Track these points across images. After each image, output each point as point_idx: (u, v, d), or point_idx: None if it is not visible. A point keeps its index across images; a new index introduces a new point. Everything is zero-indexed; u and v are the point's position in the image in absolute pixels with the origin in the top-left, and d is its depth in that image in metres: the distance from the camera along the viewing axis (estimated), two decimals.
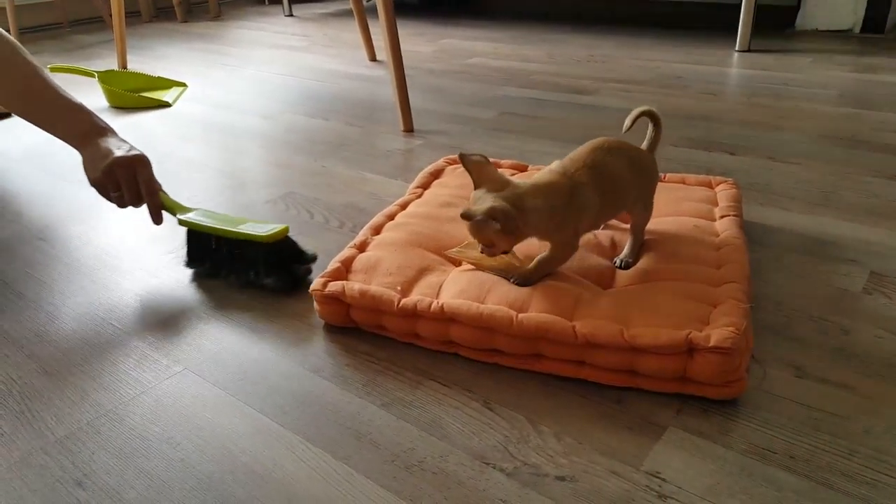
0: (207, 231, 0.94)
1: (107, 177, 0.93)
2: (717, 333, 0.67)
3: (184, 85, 2.01)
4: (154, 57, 2.46)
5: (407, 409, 0.70)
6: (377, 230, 0.96)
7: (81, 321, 0.87)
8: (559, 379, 0.73)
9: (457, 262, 0.87)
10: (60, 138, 0.99)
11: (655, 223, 0.95)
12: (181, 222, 0.96)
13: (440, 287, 0.81)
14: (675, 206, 0.99)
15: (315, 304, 0.84)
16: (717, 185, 1.07)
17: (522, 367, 0.75)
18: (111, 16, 2.34)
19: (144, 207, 0.97)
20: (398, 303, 0.78)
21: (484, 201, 0.76)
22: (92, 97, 1.91)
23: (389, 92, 1.87)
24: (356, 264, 0.86)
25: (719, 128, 1.51)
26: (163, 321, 0.87)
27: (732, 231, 0.90)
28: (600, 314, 0.73)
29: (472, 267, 0.85)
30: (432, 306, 0.76)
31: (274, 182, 1.30)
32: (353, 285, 0.81)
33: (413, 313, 0.77)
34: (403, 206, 1.04)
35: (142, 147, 1.52)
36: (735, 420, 0.66)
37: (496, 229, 0.75)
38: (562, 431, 0.66)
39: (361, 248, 0.90)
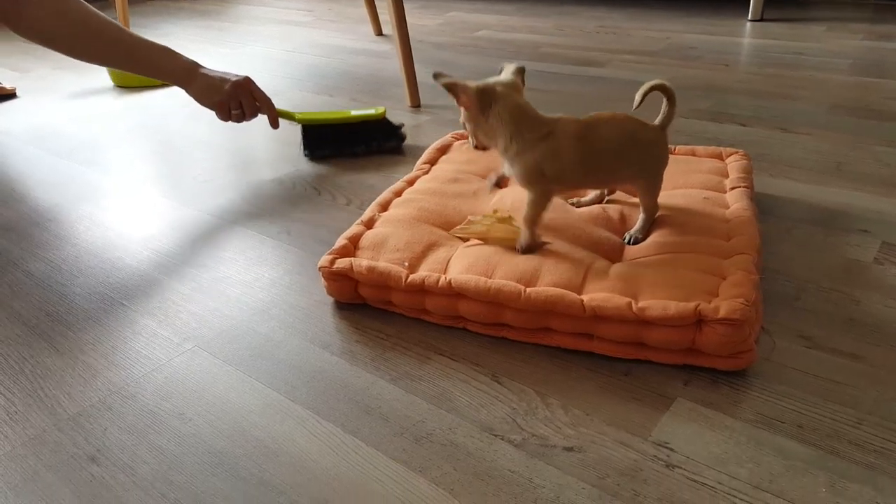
0: (331, 122, 1.27)
1: (230, 98, 1.15)
2: (727, 305, 0.66)
3: None
4: (158, 35, 2.45)
5: (415, 383, 0.70)
6: (384, 207, 0.95)
7: (91, 301, 0.88)
8: (567, 352, 0.73)
9: (464, 239, 0.87)
10: (165, 80, 1.18)
11: (665, 196, 0.94)
12: (301, 121, 1.26)
13: (448, 262, 0.81)
14: (685, 178, 0.98)
15: (323, 280, 0.84)
16: (728, 156, 1.06)
17: (531, 341, 0.75)
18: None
19: (259, 119, 1.19)
20: (406, 278, 0.78)
21: (466, 81, 0.79)
22: (97, 77, 1.91)
23: (396, 67, 1.86)
24: (364, 241, 0.86)
25: (731, 98, 1.49)
26: (172, 300, 0.87)
27: (742, 203, 0.89)
28: (609, 287, 0.73)
29: (479, 242, 0.84)
30: (440, 281, 0.76)
31: (280, 159, 1.30)
32: (361, 261, 0.81)
33: (421, 289, 0.77)
34: (411, 183, 1.04)
35: (146, 127, 1.52)
36: (744, 390, 0.66)
37: (463, 101, 0.79)
38: (569, 403, 0.66)
39: (369, 224, 0.90)
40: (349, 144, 1.27)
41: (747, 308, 0.66)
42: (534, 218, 0.81)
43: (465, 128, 0.83)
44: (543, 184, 0.80)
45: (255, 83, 1.18)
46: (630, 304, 0.69)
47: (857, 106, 1.40)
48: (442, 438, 0.63)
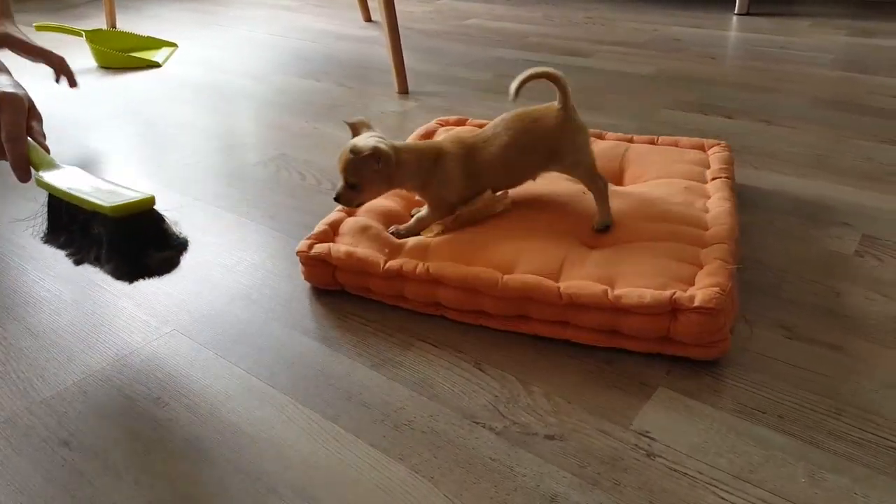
0: (60, 196, 0.74)
1: None
2: (702, 294, 0.66)
3: (174, 45, 1.97)
4: (144, 16, 2.41)
5: (397, 369, 0.70)
6: None
7: (68, 282, 0.86)
8: (549, 340, 0.73)
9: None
10: None
11: (647, 185, 0.94)
12: (38, 183, 0.76)
13: (427, 249, 0.80)
14: (667, 169, 0.98)
15: (301, 265, 0.83)
16: (710, 147, 1.06)
17: (508, 329, 0.74)
18: None
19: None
20: (384, 265, 0.77)
21: (369, 140, 0.79)
22: (80, 57, 1.87)
23: (384, 53, 1.84)
24: (344, 227, 0.85)
25: (716, 91, 1.49)
26: (151, 282, 0.85)
27: (723, 193, 0.89)
28: (585, 275, 0.73)
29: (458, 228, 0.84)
30: (418, 268, 0.76)
31: (265, 144, 1.28)
32: (339, 247, 0.80)
33: (399, 275, 0.77)
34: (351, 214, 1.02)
35: (133, 109, 1.49)
36: (724, 380, 0.66)
37: (375, 168, 0.79)
38: (552, 391, 0.66)
39: (350, 211, 0.89)
40: (86, 244, 0.73)
41: (722, 297, 0.66)
42: (422, 225, 0.85)
43: (352, 195, 0.82)
44: (445, 206, 0.85)
45: (15, 105, 0.78)
46: (606, 291, 0.69)
47: (840, 100, 1.41)
48: (423, 426, 0.62)
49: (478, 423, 0.62)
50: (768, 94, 1.46)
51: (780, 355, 0.69)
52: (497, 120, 0.86)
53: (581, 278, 0.72)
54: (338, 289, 0.83)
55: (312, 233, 0.84)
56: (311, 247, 0.81)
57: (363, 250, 0.79)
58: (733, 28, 2.05)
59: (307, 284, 0.84)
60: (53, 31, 1.81)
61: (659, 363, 0.69)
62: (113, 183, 0.74)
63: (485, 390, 0.66)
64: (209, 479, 0.58)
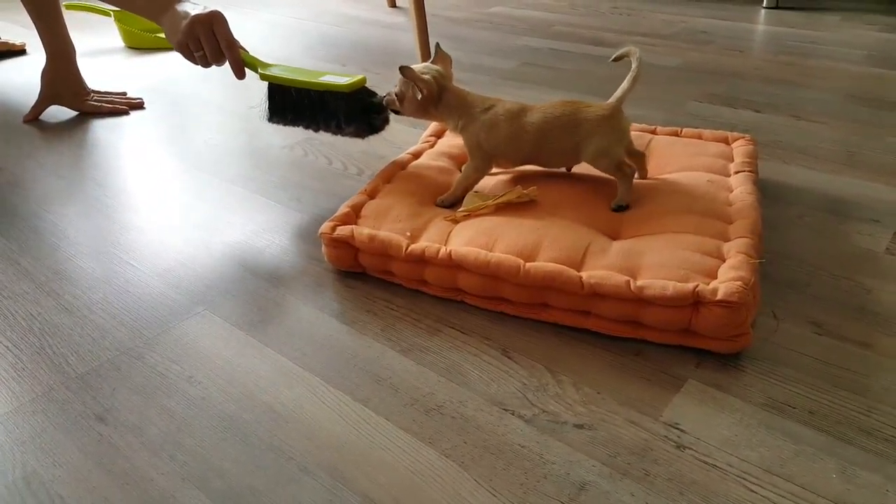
0: (289, 84, 0.97)
1: (187, 36, 0.96)
2: (725, 287, 0.66)
3: None
4: None
5: (425, 354, 0.70)
6: (388, 179, 0.94)
7: (100, 260, 0.88)
8: (576, 329, 0.73)
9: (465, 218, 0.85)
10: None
11: (669, 177, 0.93)
12: (263, 77, 0.98)
13: (450, 234, 0.80)
14: (690, 161, 0.98)
15: (323, 247, 0.84)
16: (734, 140, 1.05)
17: (528, 316, 0.75)
18: None
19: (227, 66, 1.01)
20: (406, 248, 0.78)
21: (425, 72, 0.89)
22: (108, 37, 1.88)
23: (409, 39, 1.83)
24: (366, 210, 0.86)
25: (744, 85, 1.47)
26: (182, 262, 0.87)
27: (746, 187, 0.88)
28: (608, 265, 0.73)
29: (484, 215, 0.84)
30: (440, 253, 0.76)
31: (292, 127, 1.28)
32: (363, 230, 0.81)
33: (421, 259, 0.77)
34: (416, 156, 1.02)
35: (160, 89, 1.50)
36: (754, 374, 0.66)
37: (414, 95, 0.89)
38: (580, 381, 0.66)
39: (372, 194, 0.90)
40: (321, 118, 0.98)
41: (745, 291, 0.65)
42: (464, 184, 0.89)
43: (395, 103, 0.93)
44: (482, 155, 0.89)
45: (221, 20, 0.98)
46: (629, 282, 0.69)
47: (871, 97, 1.39)
48: (452, 411, 0.63)
49: (507, 411, 0.63)
50: (797, 89, 1.44)
51: (810, 351, 0.69)
52: (554, 101, 0.89)
53: (604, 268, 0.72)
54: (360, 271, 0.83)
55: (335, 215, 0.84)
56: (333, 229, 0.82)
57: (386, 233, 0.80)
58: (761, 21, 2.02)
59: (336, 269, 0.85)
60: (83, 10, 1.82)
61: (688, 356, 0.68)
62: (315, 70, 0.99)
63: (513, 378, 0.67)
64: (243, 458, 0.58)
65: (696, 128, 1.21)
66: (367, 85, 0.97)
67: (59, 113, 1.37)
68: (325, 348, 0.72)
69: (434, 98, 0.89)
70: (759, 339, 0.70)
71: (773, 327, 0.72)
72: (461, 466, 0.57)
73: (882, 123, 1.25)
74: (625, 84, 0.86)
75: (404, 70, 0.88)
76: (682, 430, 0.60)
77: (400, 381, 0.67)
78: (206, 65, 1.00)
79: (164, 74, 1.61)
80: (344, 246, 0.81)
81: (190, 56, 0.99)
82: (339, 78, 0.95)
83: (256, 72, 0.99)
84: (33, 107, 1.33)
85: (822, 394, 0.63)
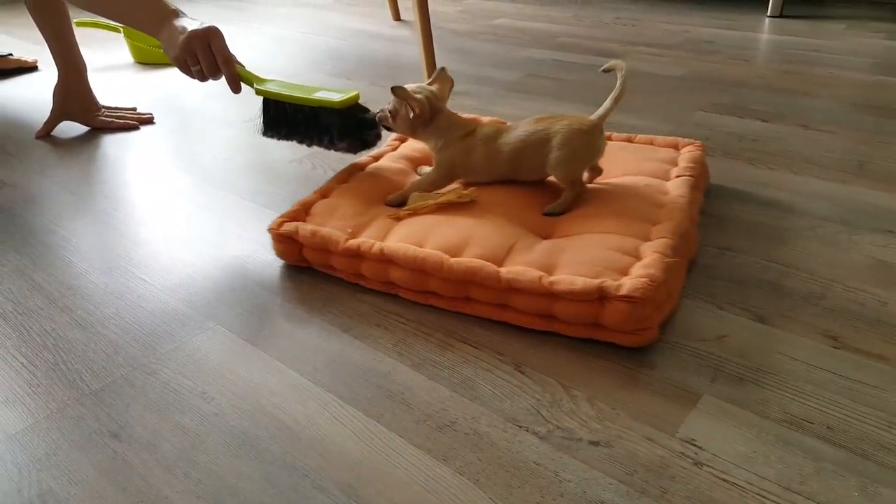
0: (283, 99, 1.00)
1: (184, 51, 0.98)
2: (630, 283, 0.69)
3: None
4: None
5: (437, 369, 0.70)
6: (345, 179, 0.99)
7: (112, 275, 0.88)
8: (590, 343, 0.72)
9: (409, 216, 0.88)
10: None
11: (613, 181, 0.96)
12: (258, 92, 1.01)
13: (389, 231, 0.84)
14: (635, 166, 0.99)
15: (272, 241, 0.87)
16: (684, 146, 1.06)
17: (454, 309, 0.78)
18: None
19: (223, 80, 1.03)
20: (343, 243, 0.82)
21: (419, 92, 0.92)
22: (117, 52, 1.90)
23: (414, 52, 1.84)
24: (316, 208, 0.90)
25: (750, 94, 1.47)
26: (192, 277, 0.87)
27: (681, 190, 0.90)
28: (529, 261, 0.76)
29: (426, 213, 0.88)
30: (373, 248, 0.80)
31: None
32: (306, 226, 0.85)
33: (357, 254, 0.81)
34: (376, 158, 1.06)
35: (168, 104, 1.51)
36: (771, 389, 0.65)
37: (406, 113, 0.93)
38: (594, 396, 0.65)
39: (325, 194, 0.94)
40: (314, 133, 1.01)
41: (649, 287, 0.68)
42: (416, 189, 0.93)
43: (387, 120, 0.97)
44: (447, 175, 0.93)
45: (218, 35, 0.99)
46: (541, 277, 0.72)
47: (879, 105, 1.38)
48: (465, 427, 0.63)
49: (521, 427, 0.62)
50: (804, 98, 1.44)
51: (827, 365, 0.68)
52: (531, 118, 0.92)
53: (525, 265, 0.75)
54: (306, 266, 0.87)
55: (285, 212, 0.89)
56: (280, 224, 0.86)
57: (326, 230, 0.84)
58: (766, 30, 2.02)
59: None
60: (93, 27, 1.84)
61: (703, 370, 0.68)
62: (311, 85, 1.01)
63: (526, 393, 0.66)
64: (257, 475, 0.58)
65: (704, 139, 1.21)
66: (364, 100, 1.00)
67: (69, 129, 1.38)
68: (336, 363, 0.71)
69: (426, 118, 0.93)
70: (779, 355, 0.70)
71: (793, 342, 0.71)
72: (476, 484, 0.57)
73: (890, 132, 1.25)
74: (607, 103, 0.89)
75: (396, 90, 0.91)
76: (698, 447, 0.59)
77: (412, 396, 0.67)
78: (203, 79, 1.02)
79: (173, 89, 1.62)
80: (289, 241, 0.86)
81: (187, 70, 1.01)
82: (332, 94, 0.97)
83: (252, 86, 1.01)
84: (45, 122, 1.34)
85: (839, 408, 0.63)
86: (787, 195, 1.02)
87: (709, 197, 1.02)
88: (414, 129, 0.95)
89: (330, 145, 1.00)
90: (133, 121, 1.40)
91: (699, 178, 0.96)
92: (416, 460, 0.59)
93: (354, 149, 1.01)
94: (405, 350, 0.73)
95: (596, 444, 0.60)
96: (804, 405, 0.63)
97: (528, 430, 0.62)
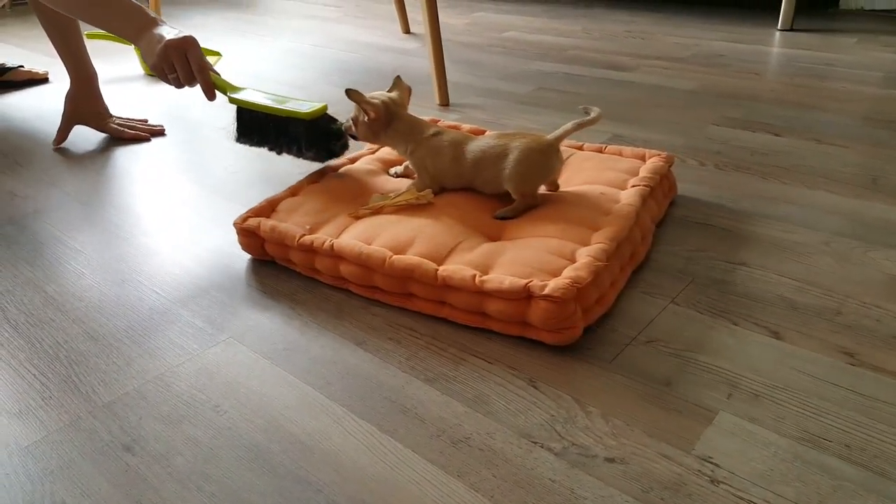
0: (255, 108, 1.04)
1: (161, 60, 1.02)
2: (553, 283, 0.72)
3: (219, 54, 1.99)
4: (189, 26, 2.45)
5: (451, 384, 0.70)
6: (317, 179, 1.03)
7: (124, 287, 0.88)
8: (604, 359, 0.72)
9: (376, 212, 0.92)
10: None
11: (572, 189, 0.97)
12: (231, 100, 1.05)
13: (345, 229, 0.88)
14: (595, 175, 1.01)
15: (237, 235, 0.92)
16: (650, 158, 1.06)
17: (398, 304, 0.82)
18: None
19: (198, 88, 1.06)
20: (299, 238, 0.86)
21: (375, 98, 0.96)
22: (128, 65, 1.92)
23: (423, 65, 1.85)
24: (283, 205, 0.94)
25: (762, 108, 1.47)
26: (205, 290, 0.87)
27: (630, 200, 0.91)
28: (467, 261, 0.79)
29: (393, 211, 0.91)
30: (325, 244, 0.84)
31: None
32: (268, 222, 0.89)
33: (311, 249, 0.85)
34: (353, 161, 1.10)
35: (177, 116, 1.52)
36: (787, 406, 0.65)
37: (365, 120, 0.96)
38: (609, 412, 0.65)
39: (294, 192, 0.98)
40: (284, 142, 1.05)
41: (570, 288, 0.72)
42: (419, 187, 0.96)
43: (352, 129, 1.00)
44: (429, 178, 0.95)
45: (194, 45, 1.03)
46: (475, 276, 0.76)
47: (891, 119, 1.38)
48: (479, 443, 0.62)
49: (535, 443, 0.62)
50: (816, 112, 1.44)
51: (844, 382, 0.67)
52: (495, 132, 0.97)
53: (464, 264, 0.79)
54: (270, 259, 0.92)
55: (252, 207, 0.93)
56: (245, 219, 0.91)
57: (285, 225, 0.88)
58: (776, 44, 2.02)
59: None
60: (104, 39, 1.85)
61: (719, 386, 0.68)
62: (282, 95, 1.05)
63: (541, 409, 0.66)
64: (270, 489, 0.58)
65: (716, 153, 1.21)
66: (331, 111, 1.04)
67: (80, 140, 1.39)
68: (349, 377, 0.71)
69: (382, 122, 0.96)
70: (794, 371, 0.69)
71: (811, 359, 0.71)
72: (491, 501, 0.56)
73: None
74: (568, 126, 0.92)
75: (350, 93, 0.95)
76: (715, 464, 0.59)
77: (426, 411, 0.66)
78: (180, 86, 1.06)
79: (183, 101, 1.63)
80: (252, 235, 0.90)
81: (165, 78, 1.05)
82: (302, 105, 1.01)
83: (226, 94, 1.05)
84: (59, 130, 1.36)
85: (857, 426, 0.62)
86: (801, 210, 1.01)
87: (721, 211, 1.02)
88: (375, 133, 0.97)
89: (298, 153, 1.04)
90: (144, 132, 1.41)
91: (656, 188, 0.98)
92: (430, 476, 0.59)
93: (321, 158, 1.05)
94: (418, 364, 0.73)
95: (611, 460, 0.59)
96: (821, 423, 0.63)
97: (542, 447, 0.61)
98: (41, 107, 1.60)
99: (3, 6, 2.76)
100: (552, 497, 0.56)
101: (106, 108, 1.41)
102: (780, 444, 0.60)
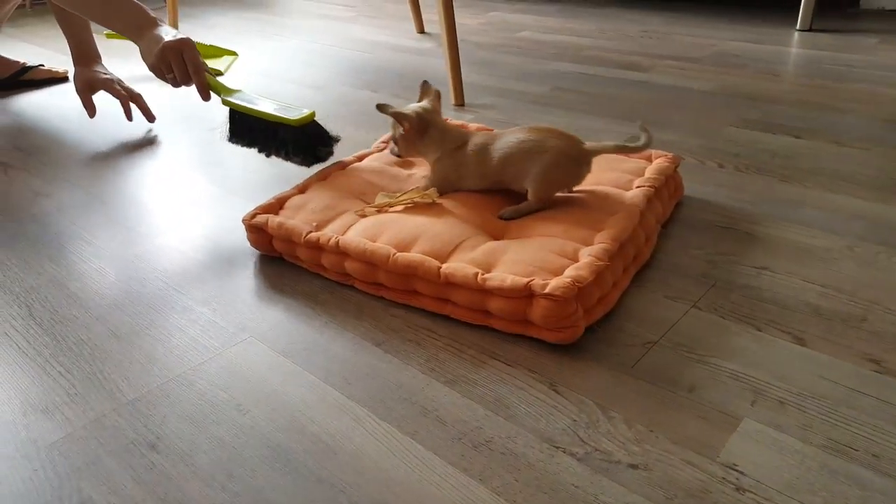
0: (245, 112, 1.07)
1: (159, 60, 1.06)
2: (555, 282, 0.73)
3: (235, 54, 2.00)
4: (205, 26, 2.46)
5: (471, 387, 0.70)
6: (325, 177, 1.03)
7: (145, 285, 0.89)
8: (626, 363, 0.72)
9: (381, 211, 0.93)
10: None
11: (577, 189, 0.96)
12: (224, 102, 1.09)
13: (351, 226, 0.89)
14: (603, 176, 1.00)
15: (246, 231, 0.93)
16: (656, 158, 1.06)
17: (402, 301, 0.83)
18: None
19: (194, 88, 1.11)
20: (305, 235, 0.87)
21: (406, 108, 0.95)
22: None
23: (438, 65, 1.85)
24: (290, 202, 0.95)
25: (781, 109, 1.46)
26: (226, 288, 0.87)
27: (635, 200, 0.91)
28: (470, 259, 0.80)
29: (393, 210, 0.92)
30: (331, 241, 0.85)
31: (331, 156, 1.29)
32: (276, 218, 0.90)
33: (317, 246, 0.86)
34: (360, 158, 1.11)
35: (192, 116, 1.53)
36: (812, 414, 0.64)
37: (401, 132, 0.95)
38: (632, 418, 0.65)
39: (302, 189, 0.99)
40: (272, 145, 1.08)
41: (571, 287, 0.72)
42: (431, 184, 0.96)
43: (394, 142, 0.99)
44: (446, 182, 0.96)
45: (190, 46, 1.08)
46: (477, 274, 0.76)
47: None
48: (501, 447, 0.62)
49: (558, 448, 0.62)
50: (836, 114, 1.42)
51: (871, 390, 0.67)
52: (527, 126, 0.94)
53: (466, 262, 0.79)
54: (277, 256, 0.93)
55: (260, 205, 0.94)
56: (253, 216, 0.92)
57: (293, 222, 0.89)
58: (795, 44, 2.01)
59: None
60: (122, 38, 1.86)
61: (742, 393, 0.67)
62: (274, 100, 1.08)
63: (562, 413, 0.66)
64: (294, 489, 0.58)
65: (735, 155, 1.20)
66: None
67: (101, 141, 1.40)
68: (369, 378, 0.71)
69: (418, 133, 0.95)
70: (818, 378, 0.69)
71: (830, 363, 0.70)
72: None
73: None
74: (610, 144, 0.90)
75: (381, 108, 0.94)
76: (741, 472, 0.58)
77: (446, 413, 0.66)
78: (177, 85, 1.10)
79: (202, 102, 1.64)
80: (260, 231, 0.92)
81: (162, 77, 1.09)
82: (292, 111, 1.04)
83: (220, 96, 1.09)
84: (83, 105, 1.42)
85: (885, 436, 0.61)
86: (823, 213, 1.01)
87: (742, 214, 1.01)
88: (413, 145, 0.97)
89: (286, 157, 1.07)
90: (127, 103, 1.43)
91: (661, 188, 0.97)
92: (452, 479, 0.59)
93: (308, 162, 1.06)
94: (437, 366, 0.73)
95: (635, 466, 0.59)
96: (848, 431, 0.62)
97: (565, 452, 0.61)
98: (62, 105, 1.62)
99: (24, 5, 2.78)
100: (576, 503, 0.56)
101: (111, 76, 1.46)
102: (807, 452, 0.60)
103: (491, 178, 0.94)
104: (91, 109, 1.42)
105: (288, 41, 2.21)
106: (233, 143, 1.11)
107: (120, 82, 1.46)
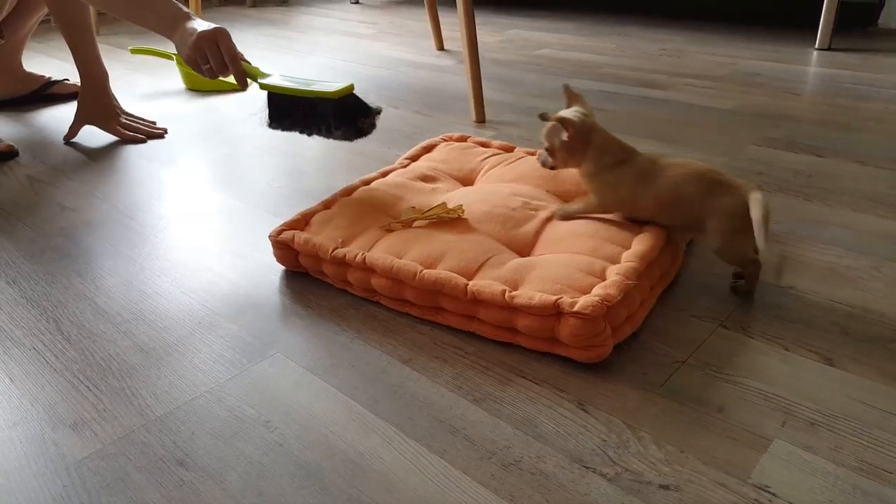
0: (284, 92, 1.06)
1: (195, 51, 1.06)
2: (583, 301, 0.73)
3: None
4: None
5: (499, 405, 0.70)
6: (349, 192, 1.04)
7: (172, 301, 0.89)
8: (655, 383, 0.71)
9: (407, 225, 0.92)
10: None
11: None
12: (262, 86, 1.08)
13: (376, 242, 0.89)
14: None
15: (272, 248, 0.94)
16: None
17: (428, 318, 0.83)
18: (187, 1, 2.38)
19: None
20: (332, 251, 0.87)
21: (567, 112, 0.88)
22: (170, 80, 1.96)
23: (459, 82, 1.86)
24: (316, 218, 0.96)
25: (803, 128, 1.46)
26: (253, 304, 0.88)
27: None
28: (497, 276, 0.80)
29: (417, 226, 0.92)
30: (357, 257, 0.85)
31: (345, 168, 1.31)
32: (302, 234, 0.91)
33: (343, 262, 0.87)
34: (385, 174, 1.11)
35: (217, 131, 1.55)
36: (844, 436, 0.63)
37: (563, 138, 0.87)
38: (661, 438, 0.64)
39: (328, 205, 1.00)
40: (313, 123, 1.06)
41: (600, 306, 0.72)
42: (577, 213, 0.92)
43: (549, 160, 0.92)
44: (616, 201, 0.89)
45: (225, 35, 1.07)
46: (504, 291, 0.76)
47: None
48: (531, 467, 0.62)
49: (588, 468, 0.61)
50: (858, 134, 1.42)
51: None
52: (674, 162, 0.86)
53: (493, 279, 0.79)
54: (303, 271, 0.93)
55: (287, 220, 0.95)
56: (280, 232, 0.93)
57: (319, 238, 0.90)
58: (814, 63, 2.00)
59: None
60: (147, 54, 1.90)
61: (773, 413, 0.66)
62: (308, 78, 1.07)
63: (591, 433, 0.65)
64: None
65: (758, 174, 1.20)
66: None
67: (127, 154, 1.42)
68: (397, 395, 0.71)
69: (582, 139, 0.87)
70: (850, 400, 0.68)
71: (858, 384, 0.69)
72: None
73: None
74: (762, 223, 0.77)
75: (544, 116, 0.87)
76: (773, 494, 0.58)
77: (475, 432, 0.66)
78: (214, 76, 1.10)
79: (224, 116, 1.66)
80: (286, 248, 0.92)
81: (198, 69, 1.09)
82: (329, 85, 1.03)
83: (256, 81, 1.09)
84: (70, 127, 1.47)
85: None
86: (848, 233, 1.00)
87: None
88: (575, 153, 0.88)
89: (328, 133, 1.05)
90: (143, 134, 1.49)
91: None
92: (482, 500, 0.59)
93: (350, 137, 1.06)
94: (465, 384, 0.73)
95: (666, 487, 0.59)
96: (880, 453, 0.61)
97: (595, 472, 0.61)
98: None
99: (48, 20, 2.83)
100: None
101: (114, 109, 1.50)
102: (839, 473, 0.59)
103: (649, 213, 0.87)
104: (70, 134, 1.48)
105: (309, 57, 2.24)
106: (273, 128, 1.11)
107: (124, 115, 1.51)
